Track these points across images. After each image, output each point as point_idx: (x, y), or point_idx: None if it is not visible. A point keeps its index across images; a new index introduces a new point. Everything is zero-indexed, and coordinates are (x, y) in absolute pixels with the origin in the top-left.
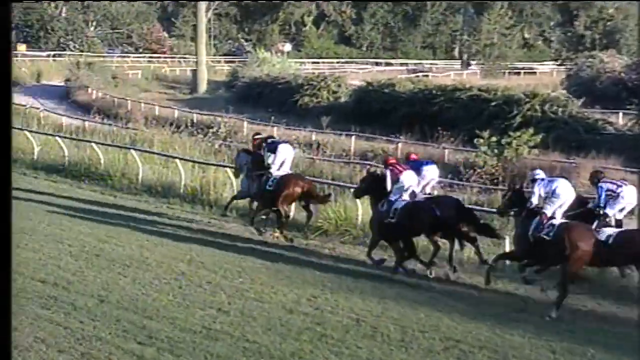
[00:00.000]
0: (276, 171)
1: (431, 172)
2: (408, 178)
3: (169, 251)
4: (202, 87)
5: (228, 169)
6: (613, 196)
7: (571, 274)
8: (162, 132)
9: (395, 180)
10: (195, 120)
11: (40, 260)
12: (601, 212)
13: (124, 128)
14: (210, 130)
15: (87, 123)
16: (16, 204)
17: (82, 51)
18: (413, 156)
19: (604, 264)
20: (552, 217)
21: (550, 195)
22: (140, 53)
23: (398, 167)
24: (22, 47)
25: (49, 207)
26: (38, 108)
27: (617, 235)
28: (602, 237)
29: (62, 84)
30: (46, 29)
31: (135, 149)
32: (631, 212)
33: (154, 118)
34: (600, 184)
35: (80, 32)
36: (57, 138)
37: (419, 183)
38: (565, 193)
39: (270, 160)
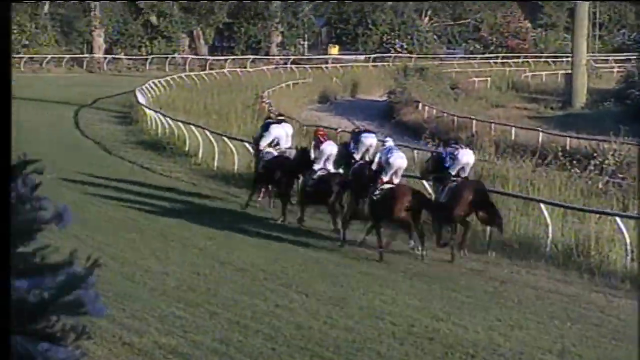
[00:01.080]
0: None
1: (370, 140)
2: (328, 147)
3: (529, 336)
4: (580, 98)
5: (618, 219)
6: (453, 158)
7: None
8: (520, 165)
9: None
10: (568, 148)
11: (355, 342)
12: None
13: None
14: (592, 162)
15: (415, 153)
16: (321, 265)
17: (411, 52)
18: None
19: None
20: (389, 182)
21: (386, 163)
22: (492, 52)
23: (321, 137)
24: (333, 50)
25: (358, 269)
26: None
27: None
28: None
29: (384, 98)
30: (366, 24)
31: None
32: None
33: (509, 144)
34: (447, 149)
35: (410, 25)
36: None
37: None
38: (398, 162)
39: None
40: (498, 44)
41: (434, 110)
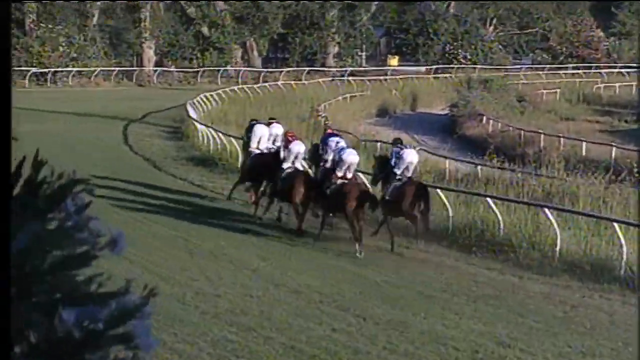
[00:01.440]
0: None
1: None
2: (296, 147)
3: None
4: None
5: None
6: (399, 157)
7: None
8: (592, 181)
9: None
10: None
11: None
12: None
13: (534, 175)
14: None
15: (479, 168)
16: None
17: (475, 63)
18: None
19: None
20: (343, 177)
21: (338, 159)
22: (561, 62)
23: (290, 137)
24: (393, 61)
25: (418, 291)
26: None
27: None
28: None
29: (446, 111)
30: (427, 33)
31: (551, 207)
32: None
33: (580, 160)
34: (393, 149)
35: (474, 34)
36: (437, 191)
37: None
38: (350, 158)
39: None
40: (568, 54)
41: (499, 124)
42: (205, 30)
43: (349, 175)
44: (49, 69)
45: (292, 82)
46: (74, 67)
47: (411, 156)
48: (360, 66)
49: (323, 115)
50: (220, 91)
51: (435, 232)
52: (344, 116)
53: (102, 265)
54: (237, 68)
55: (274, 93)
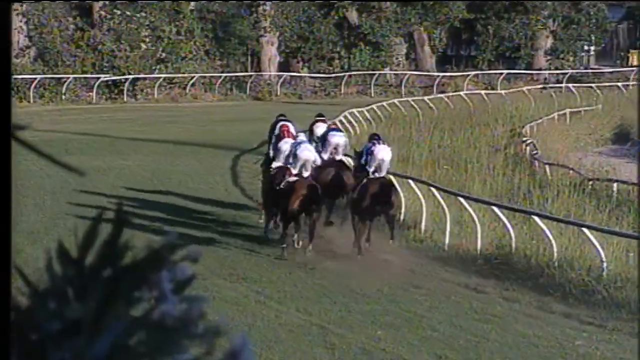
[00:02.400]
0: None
1: (336, 139)
2: (284, 145)
3: None
4: None
5: None
6: (370, 154)
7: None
8: None
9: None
10: None
11: None
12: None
13: None
14: None
15: None
16: None
17: None
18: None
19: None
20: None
21: (293, 156)
22: None
23: (284, 133)
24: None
25: None
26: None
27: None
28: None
29: None
30: None
31: None
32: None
33: None
34: (367, 144)
35: None
36: None
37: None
38: (304, 154)
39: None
40: None
41: None
42: (353, 16)
43: (305, 174)
44: (127, 76)
45: (482, 91)
46: (161, 72)
47: (383, 153)
48: (587, 66)
49: (529, 141)
50: (374, 106)
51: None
52: (560, 142)
53: None
54: (401, 72)
55: (455, 109)
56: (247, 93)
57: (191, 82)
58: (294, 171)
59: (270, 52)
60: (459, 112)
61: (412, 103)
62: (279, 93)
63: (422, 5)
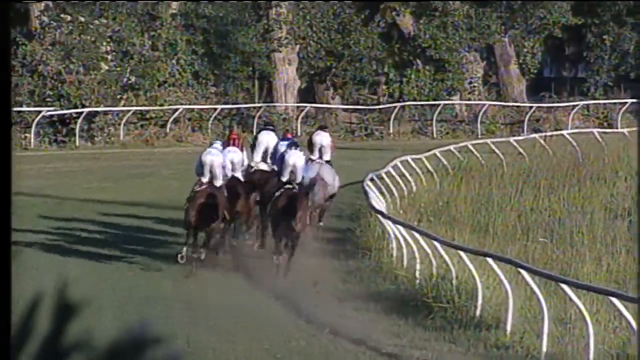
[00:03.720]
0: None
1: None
2: (229, 154)
3: None
4: None
5: None
6: (282, 162)
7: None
8: None
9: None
10: None
11: None
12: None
13: None
14: None
15: None
16: None
17: None
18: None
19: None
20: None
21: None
22: None
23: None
24: None
25: None
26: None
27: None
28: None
29: None
30: None
31: None
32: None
33: None
34: (279, 148)
35: None
36: None
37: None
38: (207, 158)
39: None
40: None
41: None
42: (407, 22)
43: (218, 184)
44: (79, 109)
45: (595, 130)
46: (130, 104)
47: (294, 158)
48: None
49: None
50: (437, 151)
51: None
52: None
53: None
54: (475, 102)
55: (554, 155)
56: (254, 133)
57: (173, 117)
58: (204, 179)
59: (287, 75)
60: (560, 160)
61: (493, 147)
62: (299, 132)
63: (507, 6)
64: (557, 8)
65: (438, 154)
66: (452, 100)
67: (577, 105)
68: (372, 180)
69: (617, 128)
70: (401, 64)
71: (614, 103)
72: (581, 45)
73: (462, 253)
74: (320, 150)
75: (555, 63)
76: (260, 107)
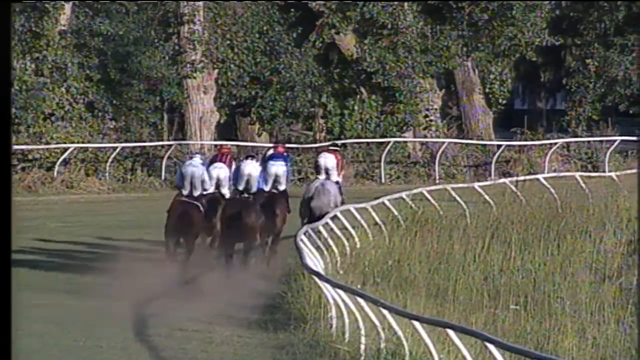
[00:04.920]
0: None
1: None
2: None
3: None
4: None
5: None
6: (238, 172)
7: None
8: None
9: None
10: None
11: None
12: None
13: None
14: None
15: None
16: None
17: None
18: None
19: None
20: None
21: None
22: None
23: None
24: None
25: None
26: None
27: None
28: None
29: None
30: None
31: None
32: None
33: None
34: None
35: None
36: None
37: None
38: (189, 170)
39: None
40: None
41: None
42: (349, 43)
43: (196, 193)
44: None
45: (577, 174)
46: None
47: (249, 168)
48: None
49: None
50: (385, 199)
51: None
52: None
53: None
54: (432, 140)
55: (528, 204)
56: (163, 177)
57: (62, 158)
58: (184, 192)
59: (203, 106)
60: (535, 210)
61: (454, 194)
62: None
63: (470, 23)
64: (530, 26)
65: (387, 203)
66: (404, 137)
67: (555, 143)
68: (307, 234)
69: (603, 171)
70: (342, 93)
71: (600, 141)
72: (560, 71)
73: (416, 323)
74: (327, 172)
75: (528, 92)
76: (170, 146)
